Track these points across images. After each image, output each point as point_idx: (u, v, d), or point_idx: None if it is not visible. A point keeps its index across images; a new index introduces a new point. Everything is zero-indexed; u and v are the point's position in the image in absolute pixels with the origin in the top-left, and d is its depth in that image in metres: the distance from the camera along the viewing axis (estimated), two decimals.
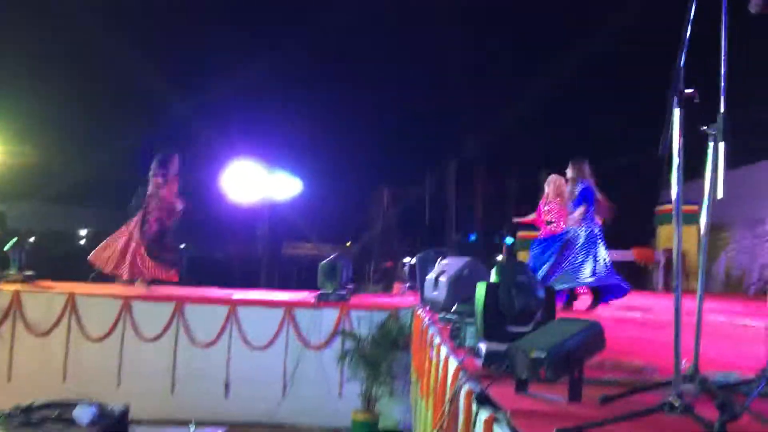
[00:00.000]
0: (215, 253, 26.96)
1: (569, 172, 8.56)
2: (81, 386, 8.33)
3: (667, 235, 13.86)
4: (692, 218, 7.35)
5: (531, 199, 21.28)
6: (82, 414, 5.81)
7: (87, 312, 8.85)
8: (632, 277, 14.79)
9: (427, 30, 19.07)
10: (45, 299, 8.95)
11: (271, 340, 8.74)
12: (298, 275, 19.14)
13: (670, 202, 10.05)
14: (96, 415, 5.86)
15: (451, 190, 22.79)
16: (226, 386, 8.72)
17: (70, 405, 5.99)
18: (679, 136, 2.30)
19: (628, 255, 14.24)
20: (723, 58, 2.79)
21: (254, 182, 17.42)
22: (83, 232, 32.64)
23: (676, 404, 2.20)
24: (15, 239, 10.37)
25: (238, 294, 9.83)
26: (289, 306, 8.89)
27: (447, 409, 3.60)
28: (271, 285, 17.28)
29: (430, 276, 6.87)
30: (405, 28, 19.24)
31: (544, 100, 18.05)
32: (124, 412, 6.34)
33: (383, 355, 8.19)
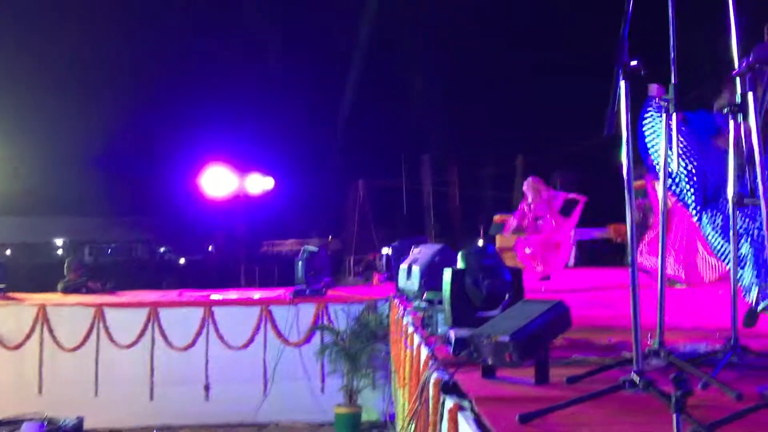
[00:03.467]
0: (194, 256, 26.83)
1: None
2: (57, 398, 8.24)
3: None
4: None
5: (507, 184, 21.49)
6: (30, 431, 5.70)
7: (59, 323, 8.71)
8: (610, 253, 14.91)
9: (395, 25, 19.07)
10: (15, 312, 8.80)
11: (249, 339, 8.68)
12: (280, 272, 19.06)
13: (641, 177, 10.11)
14: (45, 430, 5.75)
15: (427, 181, 22.83)
16: (206, 388, 8.65)
17: (17, 422, 5.88)
18: (626, 110, 2.26)
19: (605, 232, 14.36)
20: (671, 27, 2.76)
21: (229, 183, 17.27)
22: (59, 242, 32.31)
23: (637, 381, 2.17)
24: None
25: (216, 295, 9.74)
26: (265, 304, 8.83)
27: (418, 398, 3.57)
28: (251, 284, 17.19)
29: (404, 265, 6.82)
30: (374, 24, 19.23)
31: (514, 87, 18.11)
32: (78, 426, 6.23)
33: (363, 348, 8.16)
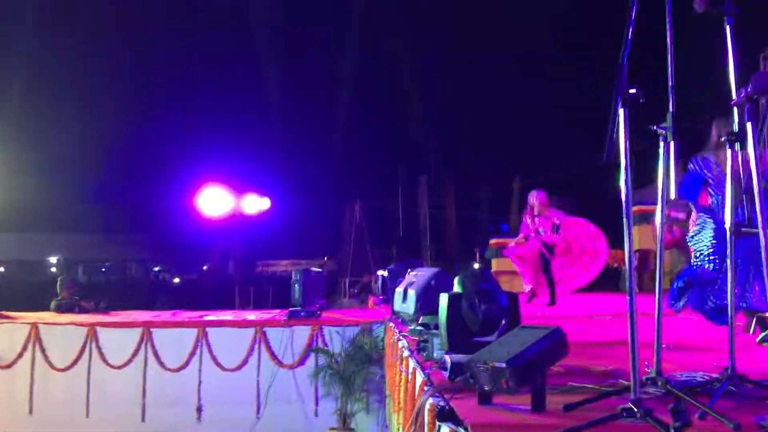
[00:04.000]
0: (188, 275, 26.74)
1: None
2: (48, 418, 8.17)
3: (638, 236, 13.93)
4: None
5: (504, 207, 21.53)
6: None
7: (51, 342, 8.66)
8: (606, 278, 14.89)
9: (393, 46, 19.22)
10: (7, 330, 8.74)
11: (243, 361, 8.61)
12: (274, 293, 18.98)
13: (640, 203, 10.12)
14: None
15: (423, 203, 22.85)
16: (199, 410, 8.56)
17: None
18: (625, 137, 2.26)
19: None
20: (669, 57, 2.78)
21: (225, 203, 17.27)
22: (54, 260, 32.15)
23: (635, 410, 2.15)
24: None
25: (210, 315, 9.69)
26: (259, 325, 8.77)
27: (413, 424, 3.53)
28: (246, 304, 17.11)
29: (400, 288, 6.80)
30: (372, 44, 19.39)
31: (512, 110, 18.22)
32: None
33: (357, 371, 8.10)
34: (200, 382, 8.61)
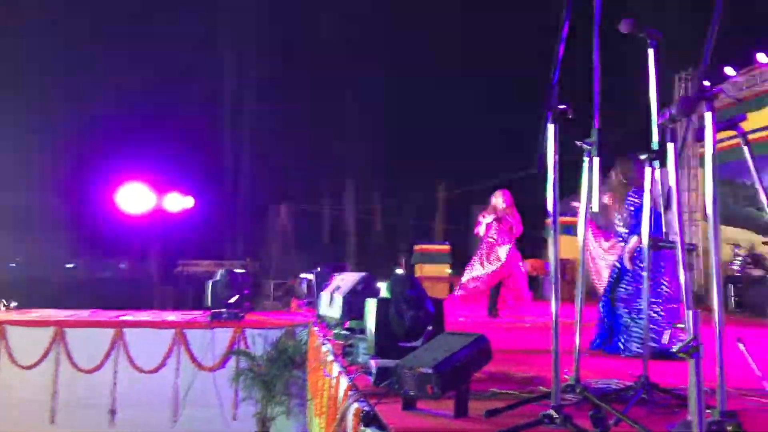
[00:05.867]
0: (104, 273, 25.83)
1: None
2: None
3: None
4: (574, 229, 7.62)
5: (429, 214, 21.82)
6: None
7: None
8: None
9: (317, 49, 19.17)
10: None
11: (161, 363, 8.39)
12: (195, 293, 18.54)
13: (562, 214, 10.40)
14: None
15: (349, 207, 22.90)
16: (112, 413, 8.29)
17: None
18: (554, 151, 2.34)
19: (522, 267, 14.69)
20: (596, 75, 2.88)
21: (146, 201, 16.84)
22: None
23: (555, 416, 2.22)
24: None
25: (127, 316, 9.38)
26: (179, 327, 8.57)
27: (337, 428, 3.53)
28: (165, 304, 16.66)
29: (326, 292, 6.78)
30: (297, 48, 19.29)
31: (437, 118, 18.47)
32: None
33: (279, 374, 8.00)
34: (115, 383, 8.34)
